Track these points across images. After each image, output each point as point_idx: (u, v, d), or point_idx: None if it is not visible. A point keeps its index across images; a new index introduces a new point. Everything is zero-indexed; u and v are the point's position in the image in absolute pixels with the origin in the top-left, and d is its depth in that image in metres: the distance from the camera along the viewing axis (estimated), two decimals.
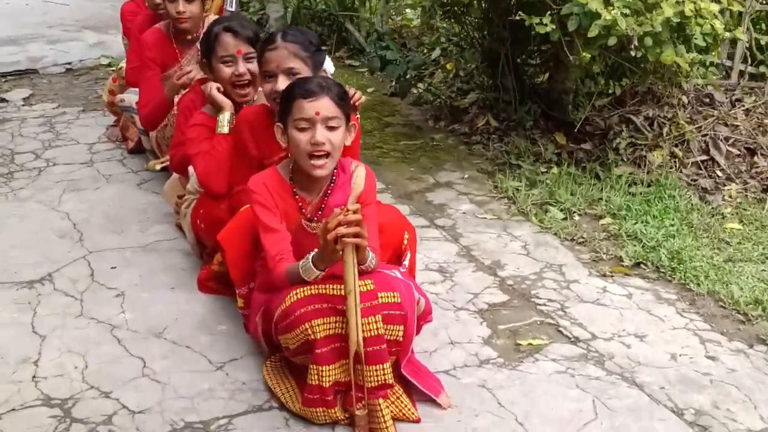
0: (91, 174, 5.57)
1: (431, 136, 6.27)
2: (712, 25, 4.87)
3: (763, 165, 5.65)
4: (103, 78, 7.83)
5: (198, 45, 4.93)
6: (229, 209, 3.80)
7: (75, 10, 10.53)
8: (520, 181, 5.37)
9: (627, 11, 4.64)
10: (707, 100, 6.11)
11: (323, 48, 3.73)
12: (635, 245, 4.58)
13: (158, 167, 4.94)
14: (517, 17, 4.90)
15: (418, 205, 5.09)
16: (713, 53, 5.28)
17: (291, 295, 3.03)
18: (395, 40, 6.34)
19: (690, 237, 4.69)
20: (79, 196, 5.22)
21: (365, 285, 3.02)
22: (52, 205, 5.09)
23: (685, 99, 5.92)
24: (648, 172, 5.49)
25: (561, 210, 5.02)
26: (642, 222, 4.82)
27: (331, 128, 3.12)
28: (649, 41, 4.67)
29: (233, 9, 5.35)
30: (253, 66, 3.95)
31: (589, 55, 4.82)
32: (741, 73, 6.40)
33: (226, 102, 3.96)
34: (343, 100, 3.15)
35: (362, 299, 2.97)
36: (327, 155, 3.14)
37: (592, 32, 4.63)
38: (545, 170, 5.59)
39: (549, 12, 4.80)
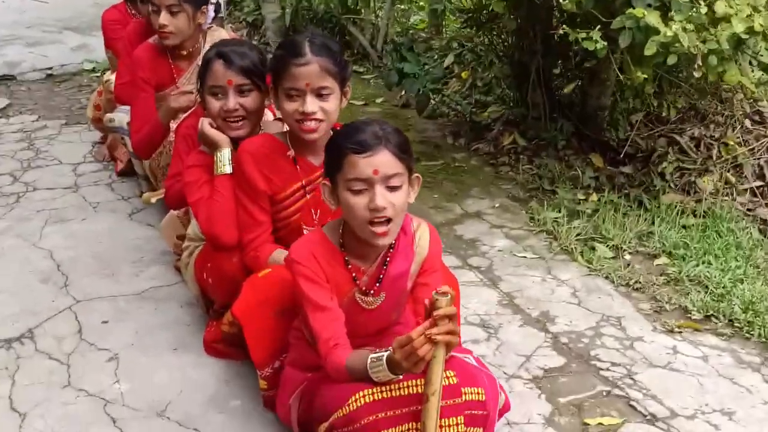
0: (77, 202, 4.96)
1: (452, 156, 5.69)
2: None
3: None
4: (87, 86, 7.24)
5: (199, 63, 4.35)
6: (242, 265, 3.23)
7: (55, 8, 9.86)
8: (559, 211, 4.80)
9: (689, 26, 4.06)
10: (757, 117, 5.55)
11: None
12: (700, 292, 4.03)
13: (153, 200, 4.35)
14: (561, 31, 4.31)
15: (448, 240, 4.51)
16: None
17: (356, 397, 2.46)
18: (404, 45, 5.74)
19: (760, 281, 4.13)
20: (64, 228, 4.63)
21: (448, 378, 2.48)
22: (32, 240, 4.49)
23: (737, 115, 5.36)
24: (698, 201, 4.93)
25: (609, 247, 4.46)
26: (703, 263, 4.26)
27: (393, 188, 2.54)
28: (713, 60, 4.10)
29: (210, 22, 4.69)
30: (249, 100, 3.36)
31: (644, 75, 4.25)
32: None
33: (221, 138, 3.35)
34: (405, 152, 2.57)
35: (444, 395, 2.41)
36: (389, 221, 2.55)
37: (650, 50, 4.06)
38: (583, 197, 5.03)
39: (598, 27, 4.20)
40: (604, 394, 3.33)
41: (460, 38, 6.86)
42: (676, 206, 4.84)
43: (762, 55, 4.29)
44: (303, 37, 3.02)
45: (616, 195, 4.99)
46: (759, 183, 5.10)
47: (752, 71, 4.42)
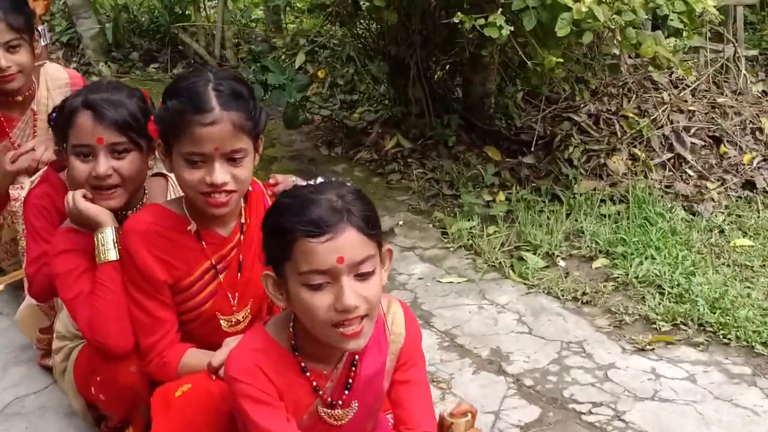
0: None
1: (331, 169, 5.05)
2: (685, 1, 3.89)
3: (734, 154, 4.80)
4: None
5: (36, 109, 3.53)
6: (142, 374, 2.50)
7: None
8: (470, 219, 4.25)
9: None
10: (647, 83, 5.19)
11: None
12: (655, 295, 3.58)
13: (1, 287, 3.51)
14: (456, 19, 3.74)
15: None
16: (686, 35, 4.29)
17: None
18: (263, 54, 5.06)
19: (711, 270, 3.74)
20: None
21: None
22: None
23: (629, 84, 4.97)
24: (613, 185, 4.52)
25: (538, 255, 3.95)
26: (646, 258, 3.82)
27: (364, 276, 1.89)
28: (632, 32, 3.64)
29: (45, 44, 3.89)
30: (125, 164, 2.56)
31: (555, 59, 3.74)
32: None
33: (103, 214, 2.56)
34: (374, 226, 1.92)
35: None
36: (363, 318, 1.90)
37: (563, 30, 3.56)
38: (490, 198, 4.51)
39: (500, 10, 3.66)
40: None
41: (305, 34, 6.24)
42: (591, 194, 4.39)
43: (672, 20, 3.85)
44: (203, 83, 2.28)
45: (526, 191, 4.50)
46: (669, 155, 4.73)
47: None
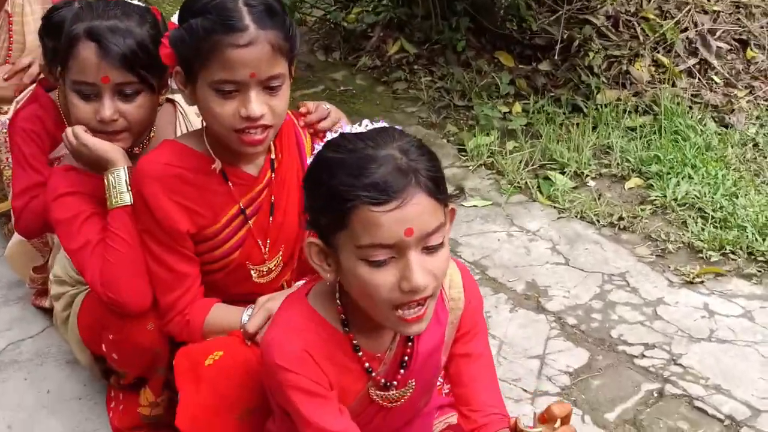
0: None
1: (331, 77, 4.69)
2: None
3: (762, 59, 4.51)
4: None
5: (10, 11, 3.15)
6: (160, 333, 2.21)
7: None
8: (488, 134, 3.94)
9: None
10: None
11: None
12: (697, 220, 3.32)
13: None
14: None
15: None
16: None
17: None
18: None
19: (752, 190, 3.48)
20: None
21: None
22: None
23: None
24: (636, 94, 4.21)
25: (566, 174, 3.67)
26: (683, 178, 3.55)
27: (433, 249, 1.58)
28: None
29: None
30: (133, 108, 2.19)
31: None
32: None
33: (115, 151, 2.20)
34: (442, 188, 1.60)
35: None
36: (427, 298, 1.60)
37: None
38: (506, 110, 4.19)
39: None
40: (656, 395, 2.58)
41: None
42: (615, 105, 4.09)
43: None
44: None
45: (544, 101, 4.18)
46: (693, 60, 4.41)
47: None
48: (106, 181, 2.19)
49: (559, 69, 4.38)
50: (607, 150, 3.82)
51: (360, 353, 1.73)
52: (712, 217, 3.31)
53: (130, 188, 2.17)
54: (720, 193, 3.42)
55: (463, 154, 3.88)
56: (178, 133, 2.44)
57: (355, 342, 1.73)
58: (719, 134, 3.91)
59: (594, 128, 3.94)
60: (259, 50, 1.91)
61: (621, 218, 3.37)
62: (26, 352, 2.88)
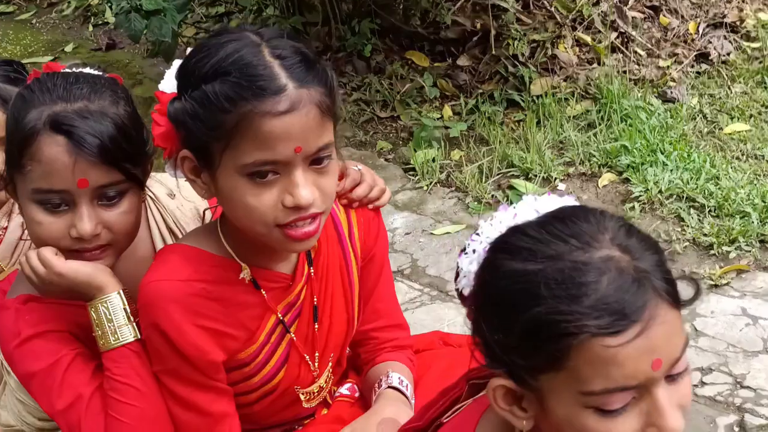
0: None
1: None
2: None
3: (677, 24, 4.32)
4: None
5: None
6: None
7: None
8: (430, 145, 3.56)
9: None
10: None
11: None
12: (692, 212, 3.06)
13: None
14: None
15: None
16: None
17: None
18: None
19: (728, 167, 3.26)
20: None
21: None
22: None
23: None
24: (568, 78, 3.93)
25: (531, 180, 3.35)
26: (657, 166, 3.28)
27: (675, 379, 1.16)
28: None
29: None
30: (117, 215, 1.63)
31: None
32: None
33: (101, 273, 1.63)
34: (677, 290, 1.15)
35: None
36: None
37: None
38: (437, 115, 3.82)
39: None
40: (737, 429, 2.29)
41: None
42: (553, 94, 3.80)
43: None
44: (252, 47, 1.44)
45: (474, 100, 3.84)
46: (614, 35, 4.18)
47: None
48: (93, 314, 1.65)
49: (480, 62, 4.04)
50: (562, 146, 3.51)
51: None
52: (707, 206, 3.06)
53: (131, 319, 1.65)
54: (703, 178, 3.17)
55: (411, 173, 3.48)
56: (152, 226, 1.91)
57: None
58: (671, 111, 3.68)
59: (538, 123, 3.64)
60: (304, 116, 1.45)
61: None
62: None
